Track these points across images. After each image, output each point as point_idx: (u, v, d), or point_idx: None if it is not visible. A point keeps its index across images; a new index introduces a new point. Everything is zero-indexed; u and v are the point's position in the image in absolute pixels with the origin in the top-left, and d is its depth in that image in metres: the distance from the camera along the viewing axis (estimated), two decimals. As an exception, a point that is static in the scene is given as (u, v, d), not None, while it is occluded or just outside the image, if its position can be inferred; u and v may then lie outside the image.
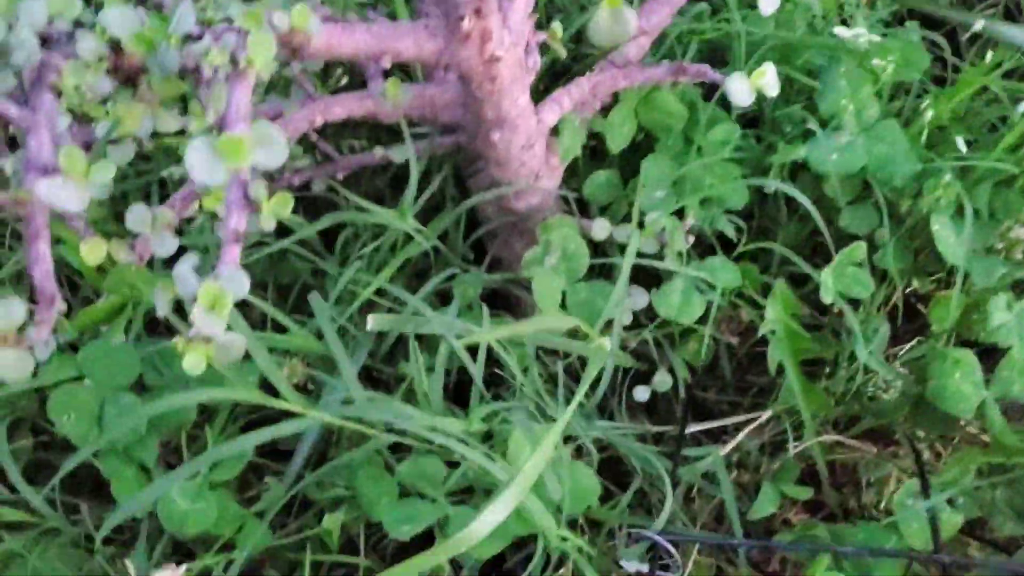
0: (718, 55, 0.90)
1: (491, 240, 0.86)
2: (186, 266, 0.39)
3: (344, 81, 0.75)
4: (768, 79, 0.64)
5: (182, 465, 0.57)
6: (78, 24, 0.47)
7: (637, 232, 0.66)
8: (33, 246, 0.37)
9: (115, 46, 0.48)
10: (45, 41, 0.45)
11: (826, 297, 0.69)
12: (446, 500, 0.58)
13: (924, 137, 0.74)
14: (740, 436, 0.73)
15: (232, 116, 0.42)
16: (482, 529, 0.45)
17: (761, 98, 0.76)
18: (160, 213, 0.58)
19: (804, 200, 0.71)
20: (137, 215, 0.57)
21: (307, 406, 0.54)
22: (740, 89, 0.63)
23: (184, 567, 0.52)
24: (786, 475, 0.72)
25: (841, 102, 0.74)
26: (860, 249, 0.69)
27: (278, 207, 0.41)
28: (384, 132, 0.91)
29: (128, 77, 0.54)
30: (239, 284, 0.39)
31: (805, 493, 0.72)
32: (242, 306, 0.79)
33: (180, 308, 0.78)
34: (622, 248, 0.78)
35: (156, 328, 0.68)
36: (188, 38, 0.47)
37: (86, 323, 0.60)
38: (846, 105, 0.74)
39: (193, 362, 0.38)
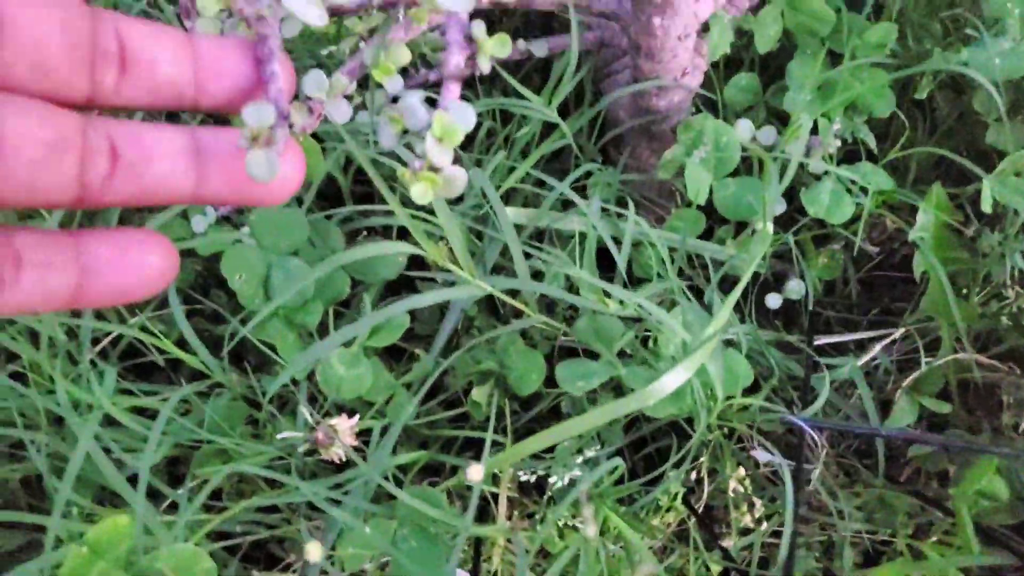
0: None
1: (616, 147, 0.86)
2: (415, 99, 0.39)
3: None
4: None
5: (342, 328, 0.58)
6: None
7: (807, 122, 0.64)
8: (268, 65, 0.37)
9: None
10: None
11: (985, 205, 0.67)
12: (618, 360, 0.58)
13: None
14: (876, 348, 0.72)
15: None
16: (666, 387, 0.45)
17: (903, 7, 0.74)
18: (336, 80, 0.58)
19: (987, 84, 0.68)
20: (315, 80, 0.58)
21: (472, 277, 0.55)
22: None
23: (356, 418, 0.53)
24: (926, 386, 0.71)
25: (1007, 4, 0.71)
26: (1025, 156, 0.66)
27: (498, 46, 0.41)
28: (521, 30, 0.90)
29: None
30: (467, 116, 0.39)
31: (944, 407, 0.70)
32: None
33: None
34: (765, 150, 0.77)
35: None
36: None
37: (252, 190, 0.61)
38: (1011, 8, 0.71)
39: (420, 191, 0.39)
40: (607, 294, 0.58)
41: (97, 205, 0.28)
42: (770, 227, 0.58)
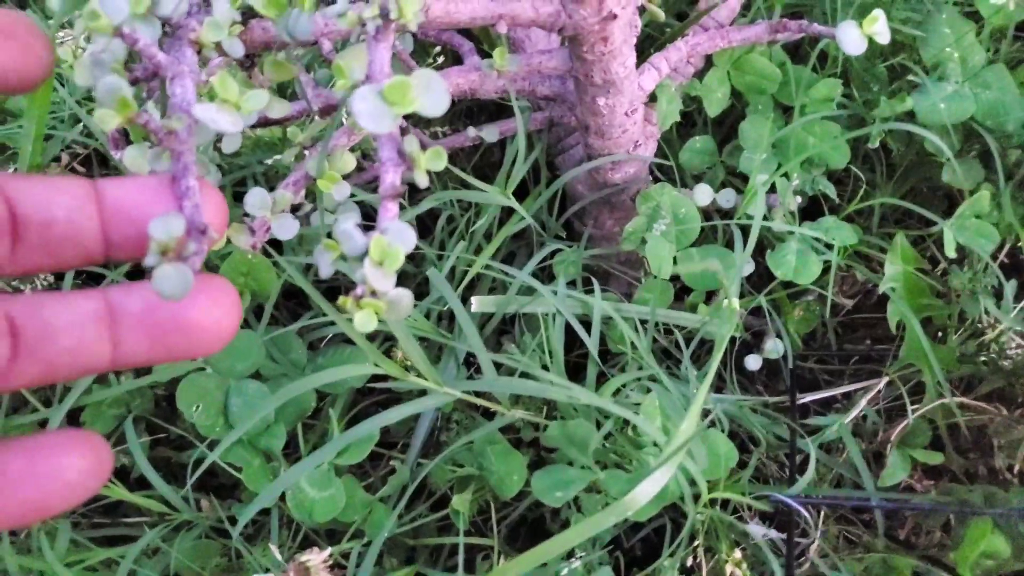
0: (799, 18, 0.88)
1: (579, 218, 0.85)
2: (350, 223, 0.38)
3: (441, 60, 0.74)
4: (879, 26, 0.61)
5: (310, 456, 0.56)
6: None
7: (764, 186, 0.64)
8: (183, 180, 0.35)
9: (244, 18, 0.48)
10: (179, 14, 0.44)
11: (948, 250, 0.67)
12: (596, 465, 0.57)
13: (1036, 80, 0.72)
14: (863, 403, 0.71)
15: (377, 72, 0.41)
16: (647, 492, 0.43)
17: (846, 57, 0.74)
18: (280, 196, 0.57)
19: (930, 135, 0.68)
20: (257, 198, 0.57)
21: (439, 383, 0.53)
22: (852, 37, 0.61)
23: (328, 551, 0.50)
24: (915, 439, 0.69)
25: (945, 50, 0.71)
26: (984, 199, 0.66)
27: (433, 160, 0.40)
28: (461, 119, 0.90)
29: (248, 56, 0.53)
30: (406, 237, 0.37)
31: (936, 457, 0.69)
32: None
33: (292, 294, 0.77)
34: (724, 214, 0.76)
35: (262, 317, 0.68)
36: (320, 2, 0.46)
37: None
38: (951, 53, 0.72)
39: (364, 319, 0.37)
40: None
41: (2, 391, 0.26)
42: (735, 302, 0.57)
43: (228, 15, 0.45)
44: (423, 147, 0.69)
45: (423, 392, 0.58)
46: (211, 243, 0.49)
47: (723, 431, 0.60)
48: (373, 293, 0.38)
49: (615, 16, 0.54)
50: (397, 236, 0.38)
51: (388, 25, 0.41)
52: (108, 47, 0.34)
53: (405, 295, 0.39)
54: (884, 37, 0.63)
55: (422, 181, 0.41)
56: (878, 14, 0.62)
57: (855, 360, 0.88)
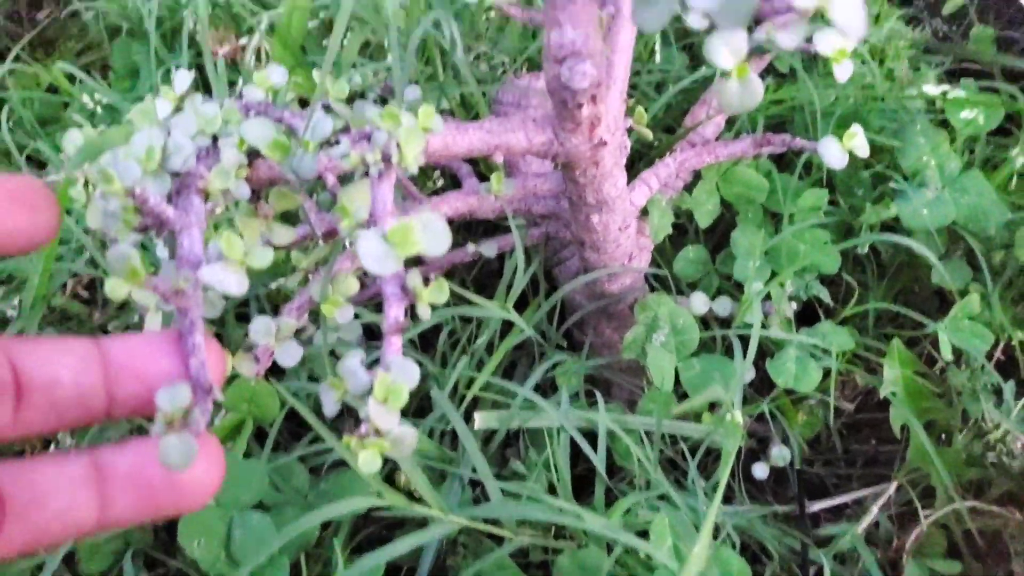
0: (781, 128, 0.91)
1: (579, 328, 0.86)
2: (355, 360, 0.39)
3: (440, 183, 0.76)
4: (858, 141, 0.64)
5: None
6: (215, 139, 0.49)
7: (759, 294, 0.65)
8: (190, 337, 0.36)
9: (249, 158, 0.50)
10: (190, 158, 0.46)
11: (945, 353, 0.67)
12: None
13: (1013, 184, 0.74)
14: (874, 510, 0.70)
15: (380, 211, 0.43)
16: (660, 621, 0.42)
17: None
18: (283, 323, 0.58)
19: (915, 244, 0.70)
20: (261, 326, 0.58)
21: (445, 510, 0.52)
22: (834, 152, 0.64)
23: None
24: (931, 548, 0.68)
25: (922, 158, 0.74)
26: (974, 302, 0.67)
27: (435, 294, 0.41)
28: (460, 233, 0.93)
29: (253, 191, 0.55)
30: (410, 374, 0.38)
31: (954, 567, 0.67)
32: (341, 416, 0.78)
33: (294, 417, 0.77)
34: (721, 322, 0.77)
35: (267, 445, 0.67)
36: (324, 143, 0.48)
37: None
38: (928, 161, 0.74)
39: (368, 459, 0.37)
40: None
41: None
42: (739, 416, 0.57)
43: (235, 160, 0.47)
44: (420, 264, 0.71)
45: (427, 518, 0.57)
46: (256, 373, 0.50)
47: (734, 547, 0.59)
48: (377, 431, 0.38)
49: (605, 143, 0.56)
50: (401, 373, 0.39)
51: (390, 167, 0.43)
52: (119, 205, 0.35)
53: (409, 433, 0.39)
54: (863, 151, 0.65)
55: (425, 314, 0.42)
56: (856, 130, 0.64)
57: (862, 463, 0.87)
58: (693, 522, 0.57)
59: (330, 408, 0.40)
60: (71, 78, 0.97)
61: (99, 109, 0.89)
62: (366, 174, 0.47)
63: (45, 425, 0.28)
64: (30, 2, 1.27)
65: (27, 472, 0.27)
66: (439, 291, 0.42)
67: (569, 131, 0.54)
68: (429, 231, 0.39)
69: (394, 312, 0.41)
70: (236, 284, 0.40)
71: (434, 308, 0.78)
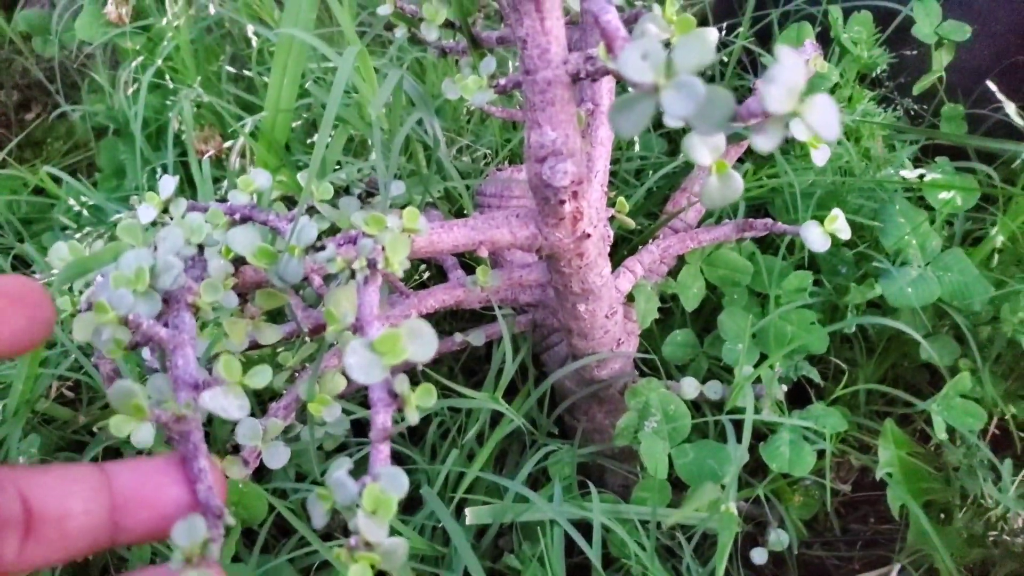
0: (762, 210, 0.93)
1: (570, 413, 0.85)
2: (342, 472, 0.38)
3: (427, 275, 0.77)
4: (839, 224, 0.65)
5: None
6: (201, 247, 0.49)
7: (749, 386, 0.65)
8: (195, 462, 0.36)
9: (235, 264, 0.50)
10: (175, 267, 0.46)
11: (938, 433, 0.67)
12: None
13: (995, 260, 0.75)
14: (879, 593, 0.68)
15: (367, 316, 0.43)
16: None
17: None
18: (271, 424, 0.58)
19: (901, 325, 0.70)
20: (248, 428, 0.57)
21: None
22: (816, 236, 0.65)
23: None
24: (939, 632, 0.66)
25: (904, 237, 0.75)
26: (965, 380, 0.67)
27: (423, 398, 0.41)
28: (447, 321, 0.93)
29: (240, 295, 0.55)
30: (399, 484, 0.37)
31: (965, 651, 0.65)
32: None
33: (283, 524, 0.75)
34: (712, 405, 0.77)
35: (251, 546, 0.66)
36: (310, 248, 0.48)
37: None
38: (909, 240, 0.76)
39: (359, 573, 0.36)
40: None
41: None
42: (733, 508, 0.56)
43: (223, 270, 0.47)
44: (412, 380, 0.70)
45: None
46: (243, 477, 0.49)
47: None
48: (367, 544, 0.38)
49: (588, 235, 0.57)
50: (390, 483, 0.38)
51: (376, 273, 0.44)
52: (111, 333, 0.35)
53: (400, 545, 0.38)
54: (845, 233, 0.66)
55: (413, 419, 0.42)
56: (837, 213, 0.66)
57: (861, 544, 0.85)
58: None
59: (319, 520, 0.40)
60: (57, 179, 0.98)
61: (84, 211, 0.90)
62: (352, 275, 0.47)
63: (51, 557, 0.27)
64: (18, 103, 1.30)
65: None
66: (427, 395, 0.42)
67: (552, 226, 0.55)
68: (416, 338, 0.39)
69: (381, 419, 0.41)
70: (237, 408, 0.40)
71: (422, 410, 0.78)
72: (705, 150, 0.37)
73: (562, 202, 0.51)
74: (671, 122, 0.35)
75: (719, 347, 0.78)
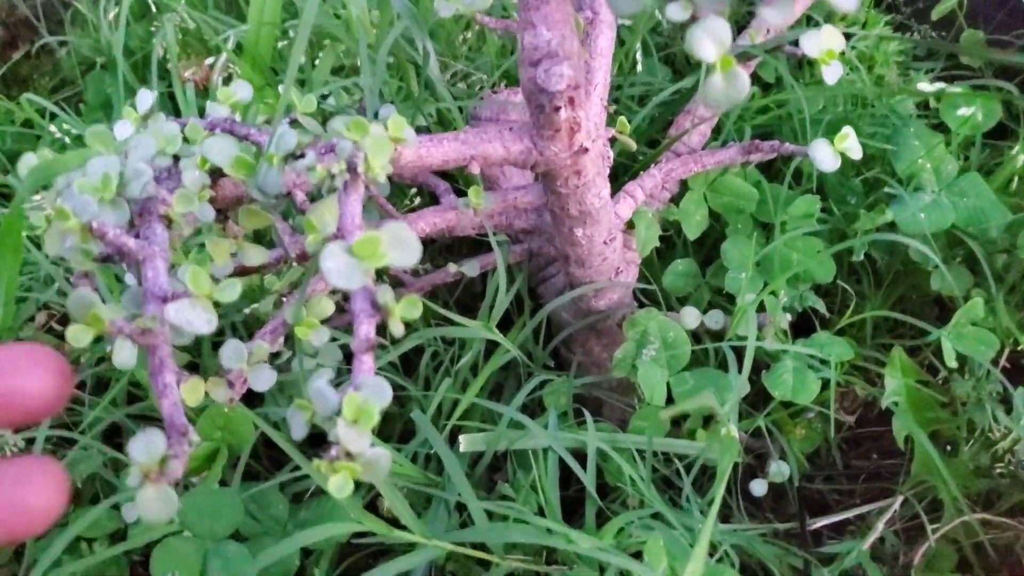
0: (769, 137, 0.90)
1: (566, 346, 0.83)
2: (322, 381, 0.36)
3: (417, 201, 0.74)
4: (850, 143, 0.62)
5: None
6: (176, 158, 0.47)
7: (751, 309, 0.63)
8: (160, 376, 0.34)
9: (213, 177, 0.48)
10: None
11: (948, 360, 0.65)
12: None
13: (1013, 185, 0.72)
14: (880, 526, 0.67)
15: (348, 225, 0.41)
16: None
17: (821, 173, 0.76)
18: (256, 347, 0.56)
19: (916, 243, 0.67)
20: (232, 350, 0.55)
21: (427, 535, 0.49)
22: (825, 155, 0.62)
23: None
24: (940, 563, 0.65)
25: (918, 161, 0.72)
26: (978, 306, 0.65)
27: (408, 310, 0.39)
28: (442, 255, 0.90)
29: (220, 211, 0.53)
30: (382, 393, 0.36)
31: (966, 582, 0.65)
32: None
33: (269, 444, 0.74)
34: (713, 336, 0.75)
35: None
36: (290, 157, 0.46)
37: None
38: (923, 164, 0.73)
39: (339, 484, 0.35)
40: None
41: None
42: (735, 430, 0.55)
43: (198, 181, 0.45)
44: (400, 286, 0.68)
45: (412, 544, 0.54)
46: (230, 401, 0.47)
47: (733, 566, 0.57)
48: (348, 454, 0.36)
49: (586, 150, 0.54)
50: (373, 392, 0.36)
51: (357, 178, 0.41)
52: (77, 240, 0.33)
53: (382, 456, 0.37)
54: (856, 152, 0.63)
55: (398, 330, 0.40)
56: (848, 131, 0.63)
57: (864, 478, 0.84)
58: (689, 542, 0.54)
59: (298, 431, 0.38)
60: (44, 114, 0.95)
61: (69, 141, 0.87)
62: (334, 187, 0.45)
63: None
64: (5, 41, 1.26)
65: None
66: (411, 307, 0.40)
67: (548, 138, 0.52)
68: (398, 242, 0.36)
69: (364, 329, 0.39)
70: (204, 322, 0.38)
71: (413, 328, 0.76)
72: (710, 43, 0.34)
73: (557, 108, 0.49)
74: (674, 14, 0.32)
75: (721, 278, 0.76)
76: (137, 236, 0.41)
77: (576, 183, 0.57)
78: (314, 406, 0.36)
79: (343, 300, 0.75)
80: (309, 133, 0.53)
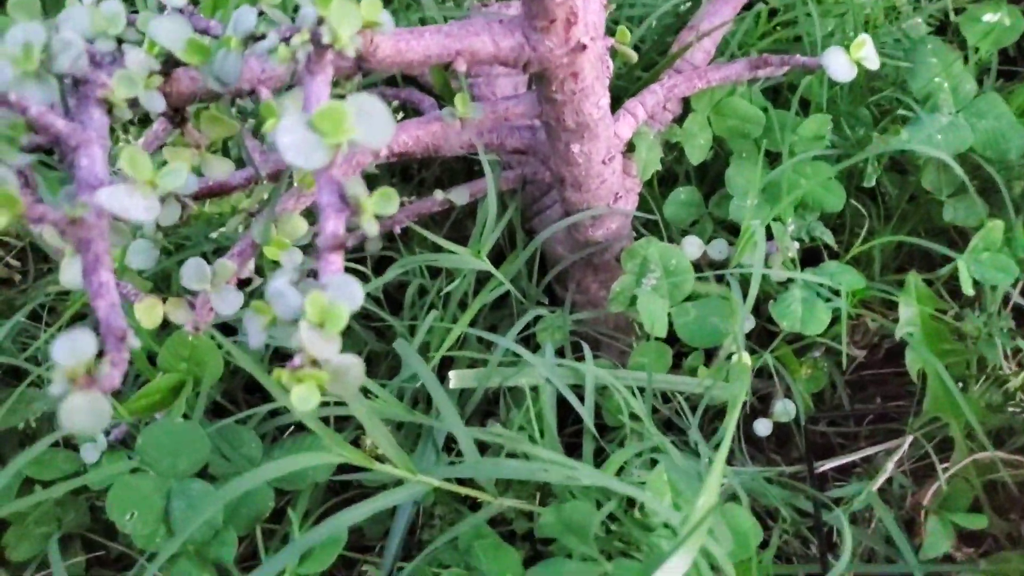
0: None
1: (561, 283, 0.79)
2: (282, 280, 0.32)
3: (400, 116, 0.69)
4: (867, 51, 0.57)
5: (267, 561, 0.47)
6: (120, 42, 0.41)
7: (760, 229, 0.58)
8: (94, 275, 0.29)
9: (165, 67, 0.42)
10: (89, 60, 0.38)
11: (965, 287, 0.61)
12: (600, 555, 0.48)
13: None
14: (889, 467, 0.63)
15: (312, 107, 0.36)
16: (665, 585, 0.36)
17: (831, 98, 0.71)
18: (220, 266, 0.51)
19: (941, 154, 0.63)
20: (193, 270, 0.50)
21: (412, 471, 0.45)
22: (840, 64, 0.57)
23: None
24: (954, 502, 0.62)
25: (935, 80, 0.68)
26: (997, 231, 0.61)
27: (381, 203, 0.34)
28: (430, 189, 0.85)
29: (176, 110, 0.48)
30: (351, 293, 0.31)
31: (980, 522, 0.61)
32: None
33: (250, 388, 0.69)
34: (716, 267, 0.70)
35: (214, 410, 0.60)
36: (250, 39, 0.41)
37: (141, 407, 0.52)
38: (940, 83, 0.68)
39: (304, 394, 0.30)
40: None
41: None
42: (746, 357, 0.50)
43: (144, 65, 0.39)
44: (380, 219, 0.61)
45: (398, 483, 0.50)
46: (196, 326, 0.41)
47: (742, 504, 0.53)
48: (314, 362, 0.31)
49: (584, 47, 0.49)
50: (340, 292, 0.32)
51: (323, 53, 0.36)
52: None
53: (353, 363, 0.32)
54: (873, 62, 0.59)
55: (371, 230, 0.35)
56: (865, 38, 0.58)
57: (869, 420, 0.81)
58: (697, 479, 0.50)
59: (256, 339, 0.33)
60: None
61: None
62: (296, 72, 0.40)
63: None
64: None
65: None
66: (386, 201, 0.35)
67: (541, 30, 0.47)
68: (365, 115, 0.31)
69: (331, 225, 0.34)
70: (143, 208, 0.33)
71: (396, 257, 0.71)
72: None
73: (553, -7, 0.43)
74: None
75: (725, 208, 0.72)
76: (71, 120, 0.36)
77: (573, 87, 0.52)
78: (274, 309, 0.32)
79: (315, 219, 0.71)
80: (274, 24, 0.47)
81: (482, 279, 0.70)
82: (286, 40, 0.40)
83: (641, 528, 0.45)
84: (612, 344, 0.78)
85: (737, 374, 0.49)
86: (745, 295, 0.61)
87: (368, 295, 0.67)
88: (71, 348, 0.27)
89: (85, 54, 0.34)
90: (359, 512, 0.45)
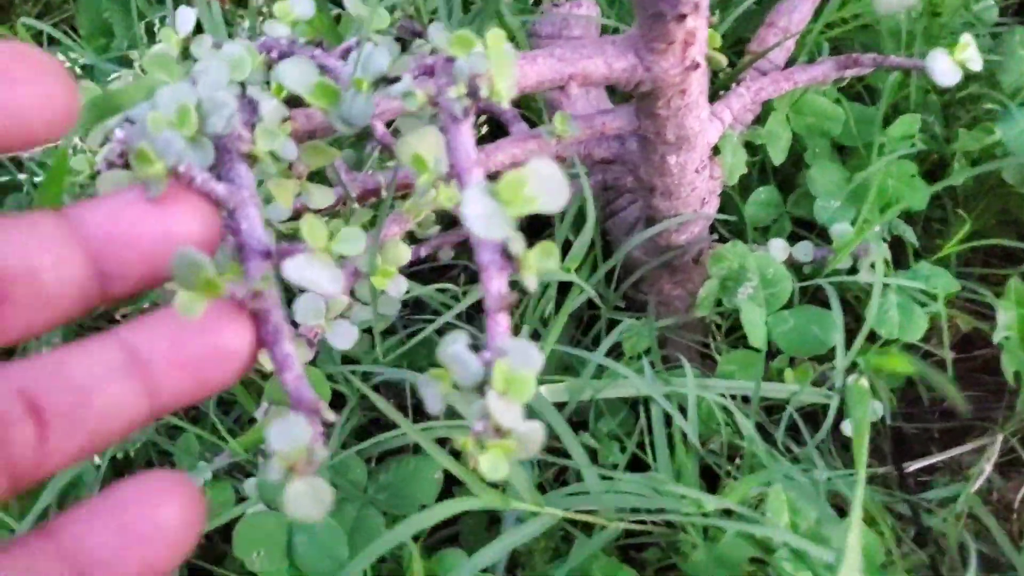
0: (841, 52, 0.83)
1: (634, 286, 0.78)
2: (460, 346, 0.31)
3: (484, 130, 0.68)
4: (970, 52, 0.56)
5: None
6: (243, 87, 0.40)
7: (855, 234, 0.57)
8: (276, 347, 0.28)
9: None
10: (218, 108, 0.37)
11: (1067, 289, 0.60)
12: None
13: None
14: (987, 467, 0.63)
15: (463, 161, 0.35)
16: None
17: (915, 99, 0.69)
18: (333, 301, 0.50)
19: None
20: (309, 305, 0.50)
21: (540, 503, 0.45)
22: (945, 67, 0.55)
23: None
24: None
25: (1026, 73, 0.66)
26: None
27: (542, 259, 0.33)
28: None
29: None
30: (532, 357, 0.30)
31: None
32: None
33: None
34: (800, 268, 0.69)
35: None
36: (380, 82, 0.40)
37: (254, 441, 0.51)
38: (1031, 76, 0.66)
39: (492, 464, 0.30)
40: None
41: (38, 479, 0.21)
42: (865, 383, 0.50)
43: (277, 113, 0.38)
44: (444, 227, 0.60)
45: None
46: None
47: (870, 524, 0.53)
48: (498, 431, 0.31)
49: (697, 65, 0.48)
50: (522, 358, 0.31)
51: (476, 104, 0.35)
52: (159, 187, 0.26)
53: (537, 431, 0.31)
54: (976, 63, 0.57)
55: (532, 285, 0.34)
56: (968, 39, 0.56)
57: (953, 416, 0.80)
58: (815, 495, 0.50)
59: (434, 406, 0.33)
60: (41, 42, 0.87)
61: (78, 70, 0.79)
62: (433, 115, 0.39)
63: (35, 321, 0.22)
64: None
65: (57, 370, 0.22)
66: (547, 255, 0.34)
67: (658, 52, 0.46)
68: (544, 181, 0.30)
69: (496, 285, 0.33)
70: (329, 280, 0.32)
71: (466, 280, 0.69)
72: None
73: (682, 18, 0.42)
74: None
75: (805, 206, 0.71)
76: (219, 179, 0.35)
77: (679, 103, 0.51)
78: (453, 375, 0.31)
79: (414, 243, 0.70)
80: (391, 54, 0.46)
81: (563, 287, 0.69)
82: (418, 78, 0.39)
83: (760, 548, 0.45)
84: (679, 342, 0.78)
85: (858, 397, 0.48)
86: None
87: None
88: (287, 435, 0.27)
89: (237, 114, 0.33)
90: (506, 543, 0.45)
